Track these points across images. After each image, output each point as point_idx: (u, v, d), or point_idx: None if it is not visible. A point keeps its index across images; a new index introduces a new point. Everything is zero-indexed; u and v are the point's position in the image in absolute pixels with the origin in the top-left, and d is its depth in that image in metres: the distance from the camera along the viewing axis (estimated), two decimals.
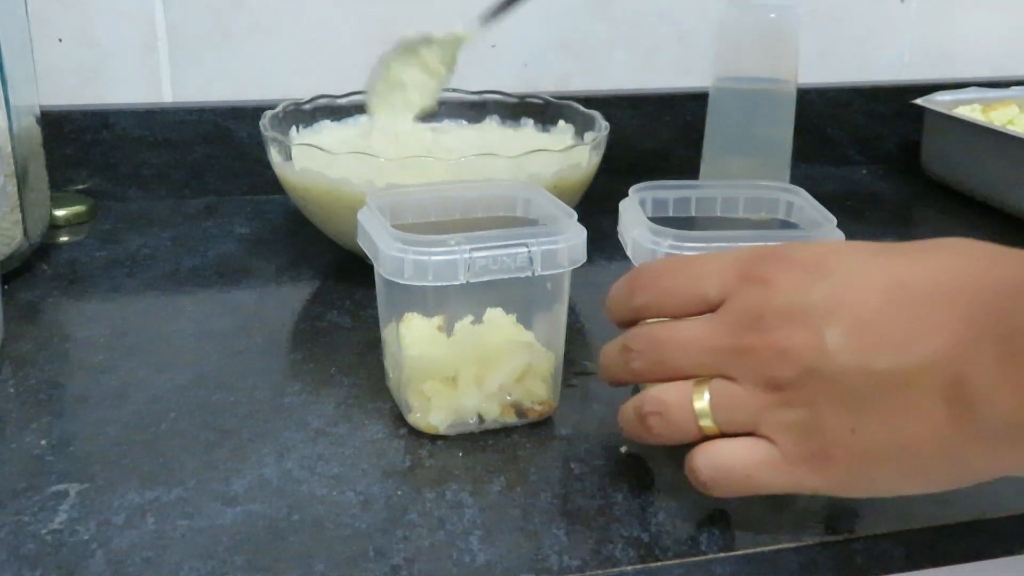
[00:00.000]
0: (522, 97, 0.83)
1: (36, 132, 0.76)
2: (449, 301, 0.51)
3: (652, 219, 0.54)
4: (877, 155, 1.05)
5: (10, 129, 0.69)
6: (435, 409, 0.52)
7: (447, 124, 0.83)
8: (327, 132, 0.80)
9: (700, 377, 0.44)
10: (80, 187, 0.87)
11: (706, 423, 0.43)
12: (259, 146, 0.75)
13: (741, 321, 0.42)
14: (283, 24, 0.89)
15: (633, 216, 0.55)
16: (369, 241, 0.52)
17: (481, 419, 0.53)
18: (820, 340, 0.40)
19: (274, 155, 0.72)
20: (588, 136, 0.77)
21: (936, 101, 0.96)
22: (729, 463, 0.43)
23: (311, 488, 0.49)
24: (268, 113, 0.74)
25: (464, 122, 0.83)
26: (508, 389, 0.53)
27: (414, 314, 0.52)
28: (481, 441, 0.53)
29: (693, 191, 0.59)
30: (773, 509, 0.48)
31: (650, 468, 0.51)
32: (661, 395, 0.45)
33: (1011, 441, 0.37)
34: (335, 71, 0.91)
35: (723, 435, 0.44)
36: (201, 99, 0.89)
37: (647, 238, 0.52)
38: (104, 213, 0.85)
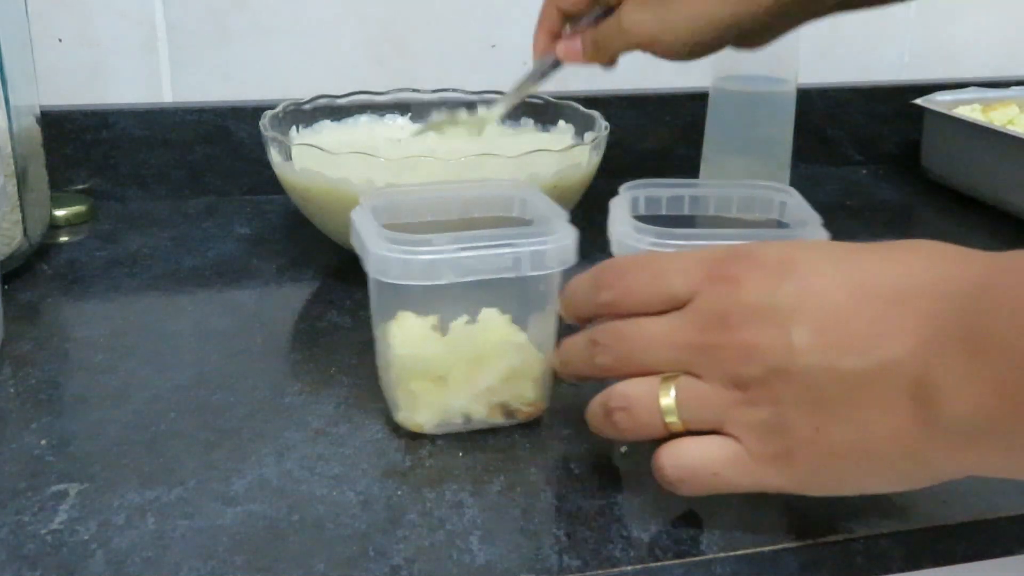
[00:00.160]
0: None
1: (36, 132, 0.76)
2: (443, 300, 0.51)
3: (645, 218, 0.54)
4: (877, 155, 1.05)
5: (10, 129, 0.69)
6: (422, 408, 0.52)
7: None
8: (327, 132, 0.80)
9: (667, 374, 0.44)
10: (80, 187, 0.87)
11: (672, 420, 0.44)
12: (259, 146, 0.75)
13: (708, 319, 0.43)
14: (283, 24, 0.89)
15: (619, 214, 0.55)
16: (359, 240, 0.52)
17: (468, 419, 0.53)
18: (786, 339, 0.40)
19: (274, 155, 0.72)
20: (588, 136, 0.77)
21: (936, 101, 0.96)
22: (695, 462, 0.43)
23: (311, 488, 0.49)
24: (268, 113, 0.74)
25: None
26: (495, 390, 0.53)
27: (409, 313, 0.52)
28: (481, 441, 0.53)
29: (686, 190, 0.59)
30: (773, 509, 0.48)
31: (650, 468, 0.51)
32: (627, 391, 0.45)
33: (974, 441, 0.37)
34: (335, 71, 0.91)
35: (689, 432, 0.44)
36: (201, 99, 0.89)
37: (629, 235, 0.52)
38: (104, 213, 0.85)
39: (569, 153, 0.70)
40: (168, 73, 0.89)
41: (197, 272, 0.74)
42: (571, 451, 0.53)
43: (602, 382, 0.47)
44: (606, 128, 0.75)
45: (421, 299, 0.51)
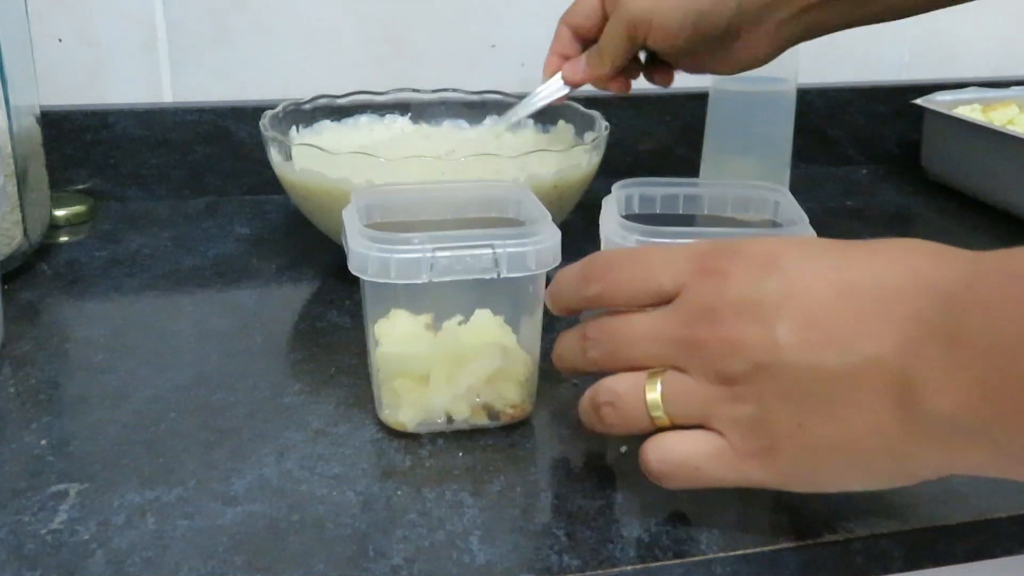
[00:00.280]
0: (522, 97, 0.83)
1: (36, 132, 0.76)
2: (438, 300, 0.52)
3: (640, 216, 0.55)
4: (877, 155, 1.05)
5: (10, 129, 0.69)
6: (405, 406, 0.53)
7: (447, 124, 0.83)
8: (327, 132, 0.80)
9: (655, 369, 0.44)
10: (80, 187, 0.87)
11: (658, 415, 0.44)
12: (259, 146, 0.75)
13: (694, 313, 0.43)
14: (283, 24, 0.89)
15: (609, 212, 0.55)
16: (344, 238, 0.52)
17: (450, 419, 0.53)
18: (771, 335, 0.40)
19: (274, 155, 0.71)
20: (588, 136, 0.77)
21: (936, 101, 0.96)
22: (679, 456, 0.43)
23: (311, 488, 0.49)
24: (268, 113, 0.74)
25: (464, 122, 0.83)
26: (478, 390, 0.53)
27: (402, 311, 0.52)
28: (481, 441, 0.53)
29: (681, 189, 0.59)
30: (773, 509, 0.48)
31: None
32: (614, 385, 0.45)
33: (954, 439, 0.37)
34: (335, 71, 0.91)
35: (675, 427, 0.44)
36: (201, 99, 0.89)
37: (617, 232, 0.52)
38: (104, 213, 0.85)
39: (569, 153, 0.70)
40: (168, 73, 0.89)
41: (197, 272, 0.74)
42: (571, 451, 0.53)
43: (597, 377, 0.47)
44: (606, 128, 0.75)
45: (413, 297, 0.52)
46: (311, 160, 0.68)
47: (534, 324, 0.54)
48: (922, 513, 0.48)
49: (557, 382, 0.59)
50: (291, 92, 0.83)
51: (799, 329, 0.40)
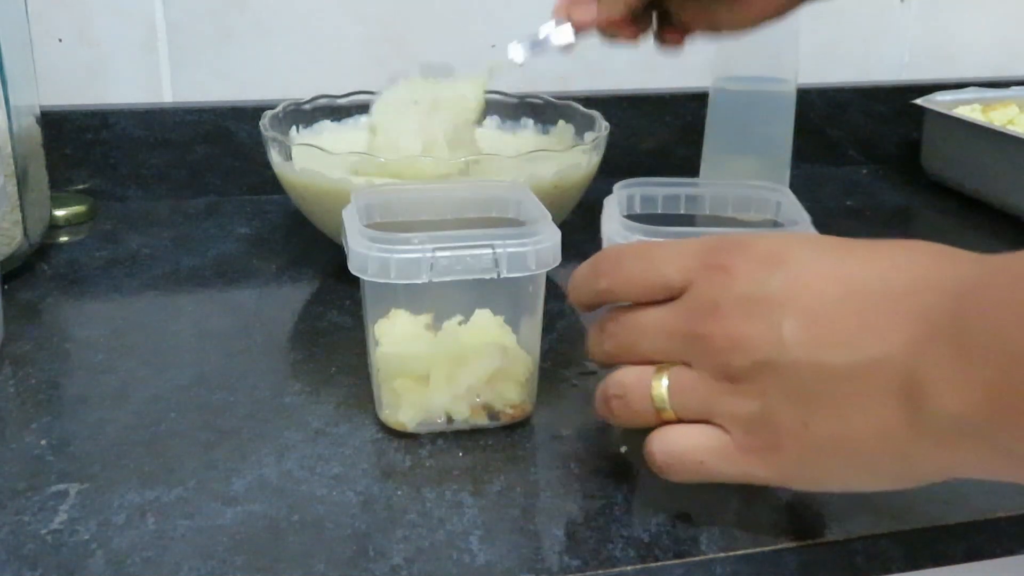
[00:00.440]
0: (522, 97, 0.83)
1: (36, 132, 0.76)
2: (438, 299, 0.52)
3: (641, 216, 0.55)
4: (877, 155, 1.05)
5: (10, 129, 0.69)
6: (404, 406, 0.53)
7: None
8: (327, 132, 0.80)
9: (663, 363, 0.44)
10: (80, 187, 0.87)
11: (663, 408, 0.44)
12: (259, 146, 0.75)
13: (700, 308, 0.43)
14: (283, 24, 0.89)
15: (610, 211, 0.55)
16: (344, 237, 0.52)
17: (450, 419, 0.53)
18: (776, 332, 0.40)
19: (274, 155, 0.72)
20: (588, 136, 0.77)
21: (936, 101, 0.96)
22: (682, 450, 0.43)
23: (311, 488, 0.49)
24: (268, 113, 0.74)
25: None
26: (478, 390, 0.53)
27: (402, 311, 0.52)
28: (481, 441, 0.53)
29: (682, 189, 0.60)
30: (773, 509, 0.48)
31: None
32: (623, 378, 0.45)
33: (959, 441, 0.37)
34: (335, 71, 0.91)
35: (680, 421, 0.44)
36: (201, 99, 0.89)
37: (619, 232, 0.53)
38: (104, 213, 0.85)
39: (569, 153, 0.70)
40: (168, 73, 0.89)
41: (197, 272, 0.74)
42: (571, 451, 0.53)
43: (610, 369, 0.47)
44: (606, 128, 0.75)
45: (413, 297, 0.52)
46: (311, 160, 0.68)
47: (534, 324, 0.54)
48: (922, 513, 0.48)
49: (557, 382, 0.59)
50: (291, 92, 0.83)
51: (804, 327, 0.40)
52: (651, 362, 0.45)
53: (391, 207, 0.57)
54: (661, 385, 0.44)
